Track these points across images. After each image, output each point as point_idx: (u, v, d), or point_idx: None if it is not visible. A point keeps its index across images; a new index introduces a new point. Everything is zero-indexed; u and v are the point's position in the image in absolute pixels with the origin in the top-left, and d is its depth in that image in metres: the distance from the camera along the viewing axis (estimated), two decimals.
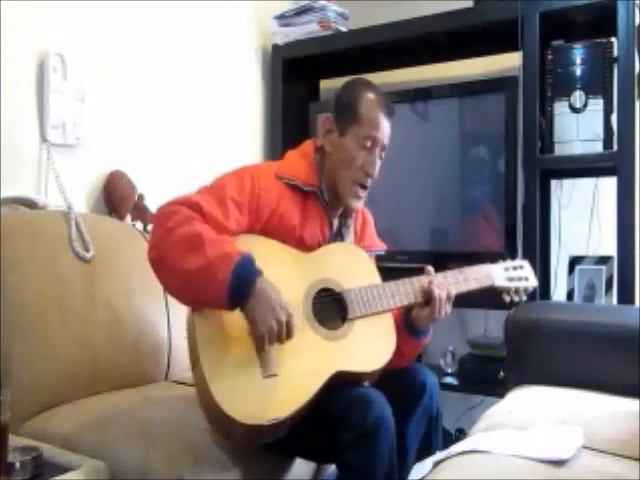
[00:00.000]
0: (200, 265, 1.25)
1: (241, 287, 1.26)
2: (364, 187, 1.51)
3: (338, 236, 1.57)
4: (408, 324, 1.52)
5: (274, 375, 1.29)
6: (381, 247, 1.66)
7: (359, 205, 1.55)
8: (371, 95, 1.50)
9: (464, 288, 1.55)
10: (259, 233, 1.43)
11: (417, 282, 1.51)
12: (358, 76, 1.63)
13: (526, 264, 1.67)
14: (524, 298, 1.63)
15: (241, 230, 1.40)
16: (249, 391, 1.27)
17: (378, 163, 1.51)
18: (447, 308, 1.49)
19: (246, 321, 1.29)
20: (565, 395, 1.52)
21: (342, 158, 1.49)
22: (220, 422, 1.30)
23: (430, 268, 1.54)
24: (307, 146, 1.57)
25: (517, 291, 1.62)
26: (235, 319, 1.30)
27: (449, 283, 1.52)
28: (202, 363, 1.27)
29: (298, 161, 1.53)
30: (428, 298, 1.48)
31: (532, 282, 1.64)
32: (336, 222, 1.57)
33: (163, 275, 1.33)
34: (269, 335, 1.27)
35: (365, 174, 1.49)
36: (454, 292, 1.51)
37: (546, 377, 1.63)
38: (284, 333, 1.29)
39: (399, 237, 2.35)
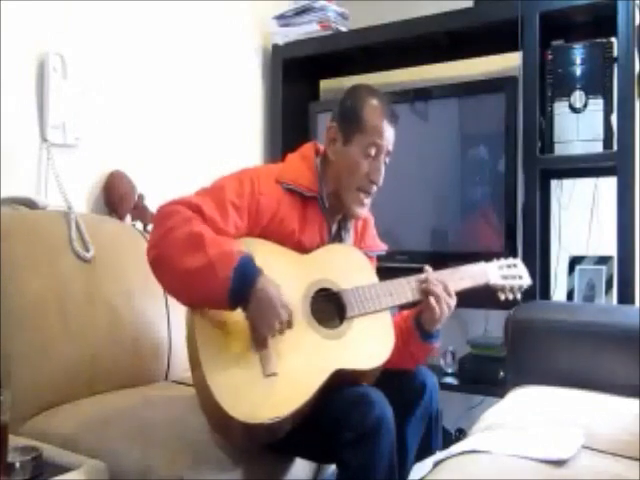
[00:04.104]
0: (201, 264, 1.25)
1: (242, 286, 1.26)
2: (368, 194, 1.50)
3: (337, 240, 1.56)
4: (419, 326, 1.52)
5: (274, 374, 1.29)
6: (382, 248, 1.66)
7: (364, 213, 1.54)
8: (375, 103, 1.49)
9: (460, 286, 1.54)
10: (258, 237, 1.43)
11: (414, 281, 1.52)
12: (361, 82, 1.63)
13: (519, 263, 1.68)
14: (518, 296, 1.64)
15: (239, 234, 1.40)
16: (249, 390, 1.27)
17: (383, 170, 1.50)
18: (450, 302, 1.49)
19: (246, 320, 1.29)
20: (565, 395, 1.52)
21: (347, 166, 1.48)
22: (220, 422, 1.30)
23: (428, 267, 1.54)
24: (307, 149, 1.57)
25: (512, 289, 1.62)
26: (234, 318, 1.30)
27: (446, 280, 1.52)
28: (202, 363, 1.27)
29: (299, 165, 1.52)
30: (425, 296, 1.48)
31: (526, 280, 1.65)
32: (335, 226, 1.57)
33: (163, 275, 1.32)
34: (271, 334, 1.28)
35: (370, 182, 1.49)
36: (452, 286, 1.50)
37: (546, 377, 1.62)
38: (285, 331, 1.30)
39: (399, 237, 2.35)
